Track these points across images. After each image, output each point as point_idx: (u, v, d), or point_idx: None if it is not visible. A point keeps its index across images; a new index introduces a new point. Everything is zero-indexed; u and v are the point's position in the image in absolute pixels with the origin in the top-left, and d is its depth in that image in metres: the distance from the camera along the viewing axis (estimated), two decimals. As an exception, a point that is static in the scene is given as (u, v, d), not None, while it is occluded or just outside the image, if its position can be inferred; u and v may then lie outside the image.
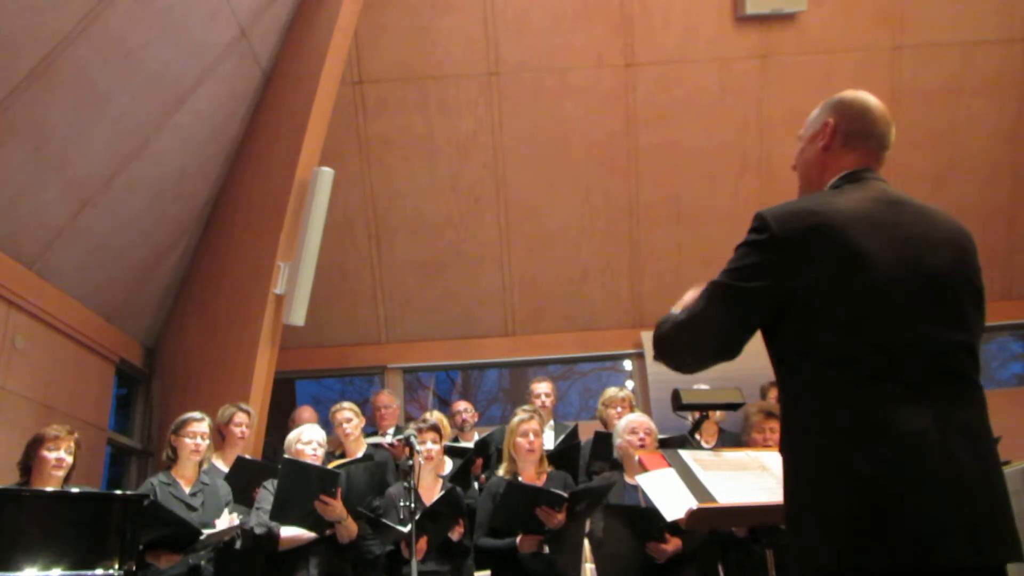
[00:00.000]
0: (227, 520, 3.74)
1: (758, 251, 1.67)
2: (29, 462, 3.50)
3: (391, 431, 5.38)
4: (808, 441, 1.61)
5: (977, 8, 6.58)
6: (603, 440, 4.50)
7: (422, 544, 3.72)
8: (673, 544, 3.51)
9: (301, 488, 3.64)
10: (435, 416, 4.51)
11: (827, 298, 1.61)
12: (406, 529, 3.47)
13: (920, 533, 1.47)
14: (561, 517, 3.66)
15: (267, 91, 5.96)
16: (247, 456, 4.42)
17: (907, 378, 1.56)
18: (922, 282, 1.62)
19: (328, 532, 3.79)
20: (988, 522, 1.51)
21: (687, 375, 1.88)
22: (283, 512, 3.64)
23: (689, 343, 1.78)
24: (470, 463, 4.58)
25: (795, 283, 1.62)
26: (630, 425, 3.92)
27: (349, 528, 3.79)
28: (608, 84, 6.75)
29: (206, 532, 3.57)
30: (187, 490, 3.88)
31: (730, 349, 1.73)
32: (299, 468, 3.74)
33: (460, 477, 4.40)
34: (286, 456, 3.87)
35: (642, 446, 3.78)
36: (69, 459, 3.53)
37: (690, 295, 1.84)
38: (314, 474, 3.72)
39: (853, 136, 1.82)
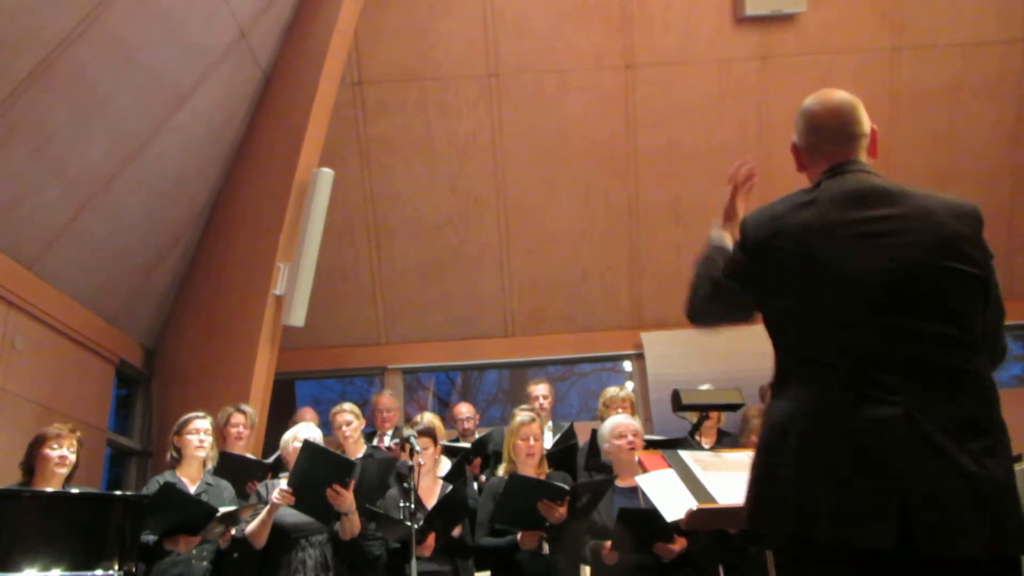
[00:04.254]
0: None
1: (736, 253, 1.86)
2: (32, 461, 3.46)
3: (390, 433, 5.38)
4: (781, 437, 1.67)
5: (976, 9, 6.58)
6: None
7: (430, 541, 3.72)
8: (680, 544, 3.51)
9: (317, 474, 3.59)
10: (427, 418, 4.47)
11: (789, 300, 1.71)
12: (415, 526, 3.46)
13: (909, 526, 1.48)
14: (562, 511, 3.65)
15: (267, 92, 5.96)
16: (232, 452, 4.43)
17: (874, 376, 1.57)
18: (889, 277, 1.63)
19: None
20: (978, 511, 1.50)
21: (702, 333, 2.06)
22: (295, 496, 3.61)
23: (708, 302, 1.96)
24: (465, 461, 4.57)
25: (760, 285, 1.78)
26: (616, 430, 3.85)
27: (354, 523, 3.75)
28: (608, 85, 6.75)
29: (222, 510, 3.54)
30: (192, 490, 3.87)
31: (736, 320, 1.92)
32: (318, 453, 3.68)
33: (456, 476, 4.39)
34: (306, 440, 3.79)
35: (632, 448, 3.77)
36: (72, 457, 3.49)
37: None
38: (332, 460, 3.68)
39: (809, 144, 1.90)
